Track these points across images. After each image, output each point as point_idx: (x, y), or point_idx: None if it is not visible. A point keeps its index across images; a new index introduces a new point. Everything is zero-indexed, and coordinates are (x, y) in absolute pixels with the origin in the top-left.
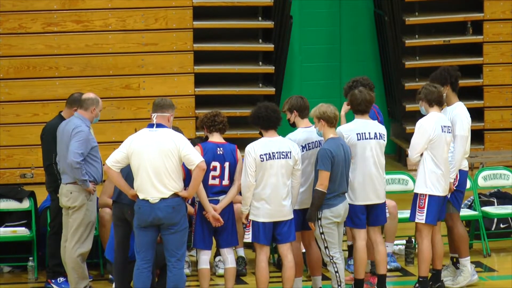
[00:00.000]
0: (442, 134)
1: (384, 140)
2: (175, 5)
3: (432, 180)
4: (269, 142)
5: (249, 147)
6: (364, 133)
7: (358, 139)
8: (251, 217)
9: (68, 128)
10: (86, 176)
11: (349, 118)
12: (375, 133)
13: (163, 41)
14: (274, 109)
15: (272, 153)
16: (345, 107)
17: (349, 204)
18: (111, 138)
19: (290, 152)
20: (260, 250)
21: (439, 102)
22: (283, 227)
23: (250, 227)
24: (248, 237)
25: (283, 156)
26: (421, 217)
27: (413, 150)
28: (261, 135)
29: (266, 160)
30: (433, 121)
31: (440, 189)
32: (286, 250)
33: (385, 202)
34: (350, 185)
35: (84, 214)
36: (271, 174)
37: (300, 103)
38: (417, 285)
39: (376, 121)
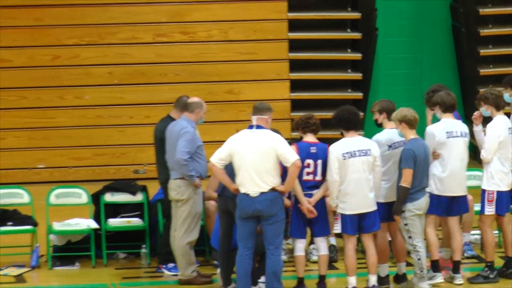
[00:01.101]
0: (509, 136)
1: (468, 138)
2: (272, 18)
3: (499, 177)
4: (350, 141)
5: (332, 147)
6: (452, 131)
7: (447, 137)
8: (339, 210)
9: (176, 129)
10: (193, 172)
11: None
12: (461, 132)
13: (261, 50)
14: (355, 112)
15: (353, 151)
16: (430, 112)
17: (436, 195)
18: (215, 137)
19: (370, 149)
20: (347, 239)
21: (503, 106)
22: (367, 218)
23: (339, 219)
24: (337, 228)
25: (363, 154)
26: (490, 210)
27: (488, 153)
28: (342, 135)
29: (348, 158)
30: (501, 125)
31: (506, 185)
32: (368, 240)
33: (467, 195)
34: (438, 178)
35: (191, 206)
36: (353, 171)
37: (390, 107)
38: (486, 269)
39: (460, 121)
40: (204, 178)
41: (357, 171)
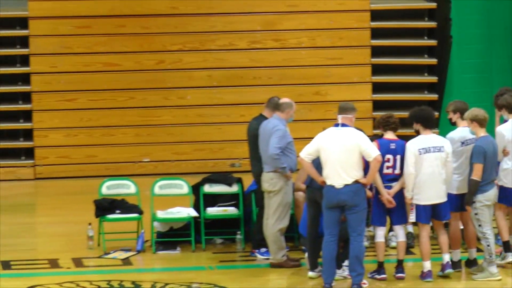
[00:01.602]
0: None
1: None
2: (356, 27)
3: None
4: (426, 138)
5: (409, 143)
6: None
7: None
8: (414, 201)
9: (268, 127)
10: (285, 164)
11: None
12: None
13: (346, 56)
14: (431, 112)
15: (428, 147)
16: (498, 113)
17: (505, 187)
18: (304, 135)
19: (443, 146)
20: (422, 227)
21: None
22: (439, 208)
23: (414, 209)
24: (412, 218)
25: (436, 150)
26: None
27: None
28: (418, 133)
29: (423, 153)
30: None
31: None
32: (439, 227)
33: None
34: (507, 172)
35: (282, 197)
36: (427, 165)
37: (463, 107)
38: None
39: None
40: (294, 171)
41: (431, 165)
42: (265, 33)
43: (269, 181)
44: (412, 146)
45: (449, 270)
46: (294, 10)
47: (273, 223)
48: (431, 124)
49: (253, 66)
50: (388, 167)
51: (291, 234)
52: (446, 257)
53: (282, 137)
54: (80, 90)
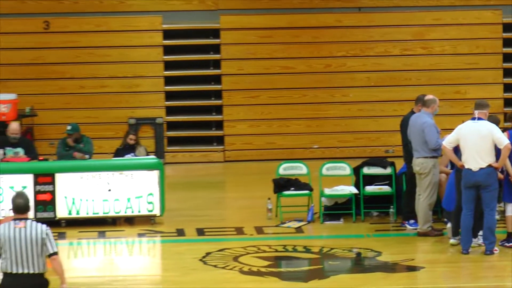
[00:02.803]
0: None
1: None
2: (491, 37)
3: None
4: None
5: None
6: None
7: None
8: None
9: (418, 121)
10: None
11: None
12: None
13: (482, 61)
14: None
15: None
16: None
17: None
18: (445, 126)
19: None
20: None
21: None
22: None
23: None
24: None
25: None
26: None
27: None
28: None
29: None
30: None
31: None
32: None
33: None
34: None
35: (431, 177)
36: None
37: None
38: None
39: None
40: (438, 157)
41: None
42: (415, 42)
43: (420, 165)
44: None
45: None
46: (439, 23)
47: (424, 199)
48: None
49: (405, 69)
50: None
51: (435, 208)
52: None
53: (434, 130)
54: (262, 89)
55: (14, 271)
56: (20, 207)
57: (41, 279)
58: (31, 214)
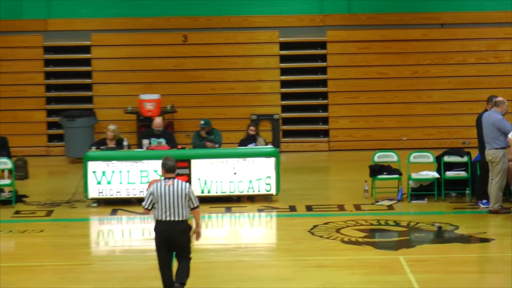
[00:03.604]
0: None
1: None
2: None
3: None
4: None
5: None
6: None
7: None
8: None
9: (490, 118)
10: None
11: None
12: None
13: None
14: None
15: None
16: None
17: None
18: None
19: None
20: None
21: None
22: None
23: None
24: None
25: None
26: None
27: None
28: None
29: None
30: None
31: None
32: None
33: None
34: None
35: (501, 165)
36: None
37: None
38: None
39: None
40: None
41: None
42: (488, 52)
43: (492, 155)
44: None
45: None
46: (509, 37)
47: (495, 183)
48: None
49: (479, 75)
50: None
51: (504, 190)
52: None
53: (507, 123)
54: (360, 91)
55: (164, 219)
56: (169, 168)
57: (185, 225)
58: None
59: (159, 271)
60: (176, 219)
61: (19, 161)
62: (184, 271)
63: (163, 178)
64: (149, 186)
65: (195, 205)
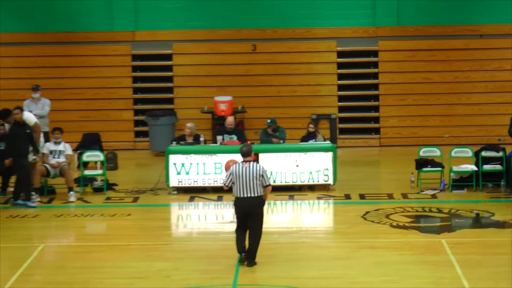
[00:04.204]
0: None
1: None
2: None
3: None
4: None
5: None
6: None
7: None
8: None
9: None
10: None
11: None
12: None
13: None
14: None
15: None
16: None
17: None
18: None
19: None
20: None
21: None
22: None
23: None
24: None
25: None
26: None
27: None
28: None
29: None
30: None
31: None
32: None
33: None
34: None
35: None
36: None
37: None
38: None
39: None
40: None
41: None
42: None
43: None
44: None
45: None
46: None
47: None
48: None
49: None
50: None
51: None
52: None
53: None
54: (408, 94)
55: (243, 195)
56: (245, 152)
57: (260, 200)
58: None
59: (235, 234)
60: (252, 195)
61: (110, 154)
62: (255, 246)
63: (241, 161)
64: (226, 167)
65: (267, 184)
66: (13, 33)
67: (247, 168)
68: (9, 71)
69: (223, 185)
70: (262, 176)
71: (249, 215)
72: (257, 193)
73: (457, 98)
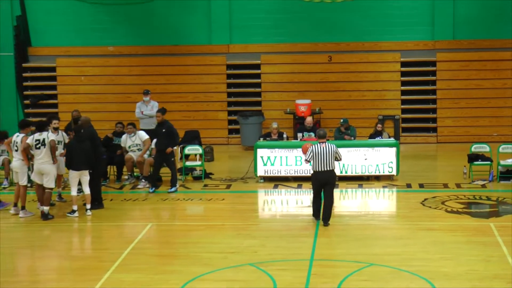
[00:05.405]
0: None
1: None
2: None
3: None
4: None
5: None
6: None
7: None
8: None
9: None
10: None
11: None
12: None
13: None
14: None
15: None
16: None
17: None
18: None
19: None
20: None
21: None
22: None
23: None
24: None
25: None
26: None
27: None
28: None
29: None
30: None
31: None
32: None
33: None
34: None
35: None
36: None
37: None
38: None
39: None
40: None
41: None
42: None
43: None
44: None
45: None
46: None
47: None
48: None
49: None
50: None
51: None
52: None
53: None
54: (462, 98)
55: (320, 169)
56: (322, 135)
57: (333, 173)
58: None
59: (312, 200)
60: (328, 169)
61: (207, 148)
62: (329, 210)
63: (318, 142)
64: (303, 150)
65: (339, 158)
66: (128, 46)
67: (324, 147)
68: (124, 78)
69: (304, 160)
70: (336, 152)
71: (325, 184)
72: (332, 167)
73: (504, 102)
